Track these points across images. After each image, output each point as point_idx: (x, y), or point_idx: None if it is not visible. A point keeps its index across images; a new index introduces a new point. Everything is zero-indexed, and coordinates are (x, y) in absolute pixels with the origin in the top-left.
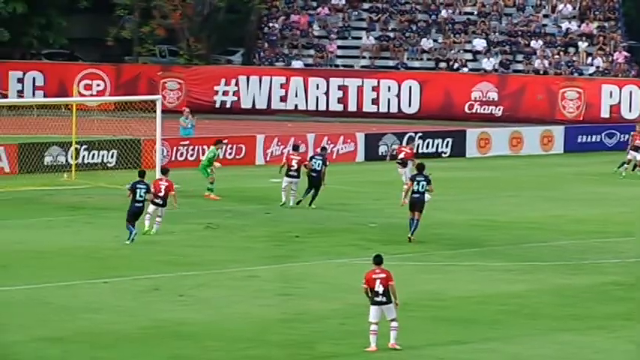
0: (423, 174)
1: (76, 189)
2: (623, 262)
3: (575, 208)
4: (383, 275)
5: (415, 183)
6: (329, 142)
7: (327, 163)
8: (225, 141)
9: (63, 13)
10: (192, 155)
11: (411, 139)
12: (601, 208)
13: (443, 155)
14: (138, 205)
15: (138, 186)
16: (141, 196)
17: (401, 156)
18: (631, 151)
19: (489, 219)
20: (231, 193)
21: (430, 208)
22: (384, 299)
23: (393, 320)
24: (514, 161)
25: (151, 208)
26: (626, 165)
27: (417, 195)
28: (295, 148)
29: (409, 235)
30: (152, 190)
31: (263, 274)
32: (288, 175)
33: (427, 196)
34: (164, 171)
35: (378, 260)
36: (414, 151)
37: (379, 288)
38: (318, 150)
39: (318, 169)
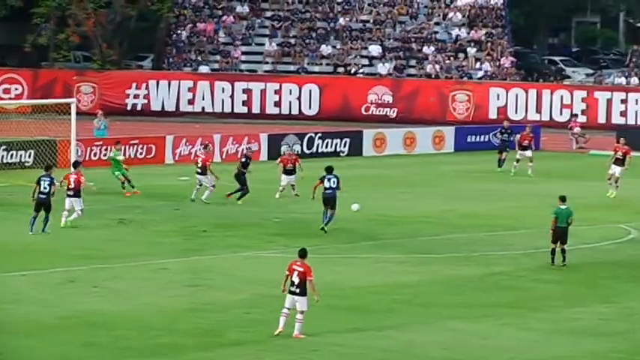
0: (332, 174)
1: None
2: (510, 254)
3: (465, 203)
4: (301, 269)
5: (326, 180)
6: (234, 142)
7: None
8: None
9: None
10: (105, 154)
11: (290, 147)
12: (489, 204)
13: (341, 154)
14: (42, 197)
15: (42, 179)
16: (45, 187)
17: (289, 166)
18: (520, 151)
19: (384, 214)
20: (142, 190)
21: None
22: (297, 290)
23: (300, 312)
24: (408, 160)
25: (66, 202)
26: (515, 164)
27: (329, 191)
28: (205, 147)
29: (323, 226)
30: (62, 181)
31: (172, 267)
32: (197, 172)
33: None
34: (75, 164)
35: (301, 254)
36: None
37: (295, 279)
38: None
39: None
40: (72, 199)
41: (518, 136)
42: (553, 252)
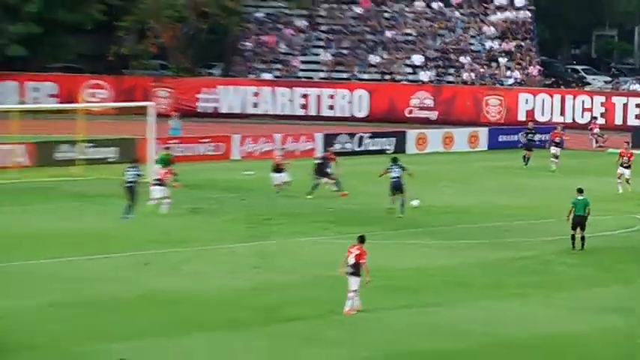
0: (397, 164)
1: (83, 180)
2: (538, 240)
3: (498, 196)
4: (357, 252)
5: (393, 171)
6: (292, 140)
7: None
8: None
9: (72, 33)
10: (179, 151)
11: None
12: (519, 196)
13: (387, 152)
14: (127, 185)
15: (128, 170)
16: (130, 177)
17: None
18: (552, 148)
19: (428, 205)
20: (211, 183)
21: (375, 195)
22: (352, 271)
23: (352, 291)
24: (447, 157)
25: (154, 191)
26: (553, 159)
27: (395, 179)
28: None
29: (400, 215)
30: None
31: (240, 251)
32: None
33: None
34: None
35: (360, 239)
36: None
37: (350, 260)
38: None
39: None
40: (158, 187)
41: (548, 135)
42: (573, 238)
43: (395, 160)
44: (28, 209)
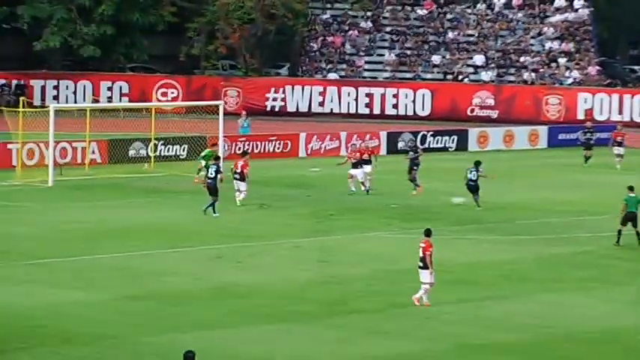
0: (477, 168)
1: (155, 176)
2: (595, 235)
3: (557, 192)
4: (423, 245)
5: (469, 172)
6: (358, 138)
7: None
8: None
9: (144, 34)
10: (248, 149)
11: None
12: (578, 193)
13: (449, 150)
14: (209, 181)
15: (210, 166)
16: (211, 173)
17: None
18: (615, 147)
19: (488, 201)
20: (278, 180)
21: (440, 193)
22: (421, 264)
23: (424, 283)
24: (507, 154)
25: (234, 184)
26: (617, 159)
27: (472, 182)
28: (243, 153)
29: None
30: (232, 167)
31: (305, 245)
32: (234, 178)
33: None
34: (244, 153)
35: (426, 233)
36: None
37: (420, 254)
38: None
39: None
40: (238, 182)
41: (607, 134)
42: (619, 233)
43: (477, 164)
44: (102, 205)
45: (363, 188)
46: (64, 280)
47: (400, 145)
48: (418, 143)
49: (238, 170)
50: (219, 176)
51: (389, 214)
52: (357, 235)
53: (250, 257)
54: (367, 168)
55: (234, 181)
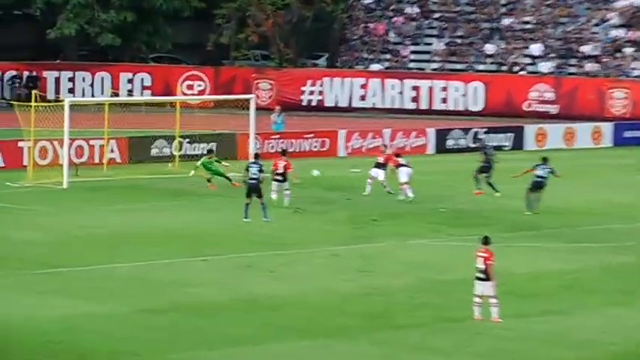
0: (546, 164)
1: (179, 177)
2: None
3: (623, 195)
4: (484, 255)
5: (539, 169)
6: (403, 136)
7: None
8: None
9: (168, 21)
10: (282, 148)
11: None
12: None
13: (504, 148)
14: (252, 182)
15: (251, 165)
16: (254, 173)
17: (380, 159)
18: None
19: (546, 205)
20: (316, 181)
21: (490, 194)
22: (482, 276)
23: (490, 297)
24: (568, 154)
25: (273, 185)
26: None
27: (540, 179)
28: (283, 152)
29: (530, 212)
30: (272, 168)
31: (344, 253)
32: (274, 179)
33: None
34: (284, 152)
35: (484, 241)
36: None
37: (481, 265)
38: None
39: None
40: (280, 183)
41: None
42: None
43: (545, 160)
44: (121, 209)
45: (386, 189)
46: (80, 291)
47: (450, 143)
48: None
49: (280, 170)
50: (261, 176)
51: (436, 219)
52: (402, 242)
53: (284, 266)
54: (381, 174)
55: (274, 182)
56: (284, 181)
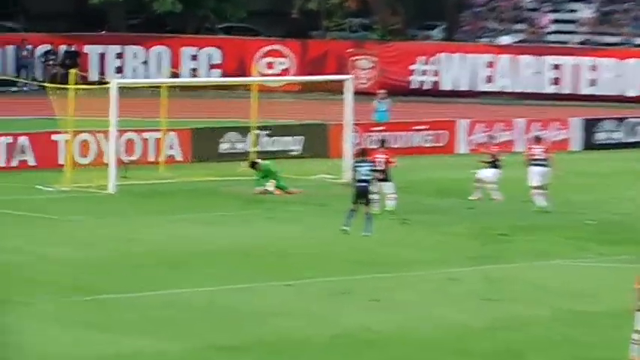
0: None
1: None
2: None
3: None
4: None
5: None
6: (540, 127)
7: None
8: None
9: None
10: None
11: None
12: None
13: None
14: (362, 185)
15: (359, 165)
16: (365, 174)
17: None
18: None
19: None
20: (429, 185)
21: None
22: None
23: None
24: None
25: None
26: None
27: None
28: (382, 144)
29: None
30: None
31: (464, 276)
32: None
33: None
34: (382, 143)
35: None
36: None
37: None
38: None
39: None
40: (380, 183)
41: None
42: None
43: None
44: (181, 219)
45: (493, 197)
46: (130, 324)
47: (600, 136)
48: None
49: (380, 167)
50: (374, 176)
51: (581, 234)
52: (537, 263)
53: (388, 292)
54: (489, 174)
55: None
56: (386, 180)
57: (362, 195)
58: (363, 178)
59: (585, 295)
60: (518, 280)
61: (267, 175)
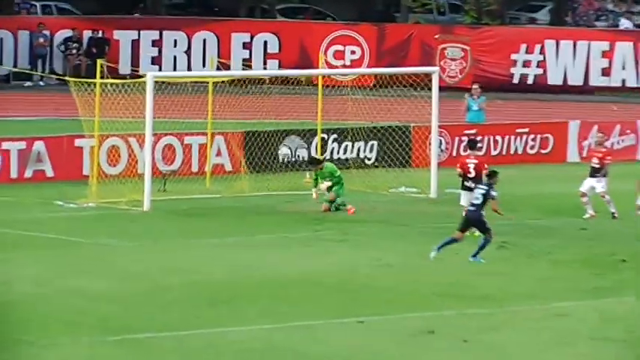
0: None
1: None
2: None
3: None
4: None
5: None
6: None
7: None
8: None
9: None
10: (480, 148)
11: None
12: None
13: None
14: (470, 209)
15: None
16: (476, 198)
17: (594, 162)
18: None
19: None
20: (531, 200)
21: None
22: None
23: None
24: None
25: (462, 198)
26: None
27: None
28: (472, 146)
29: None
30: (457, 170)
31: (575, 313)
32: (463, 188)
33: None
34: (472, 144)
35: None
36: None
37: None
38: None
39: None
40: (469, 192)
41: None
42: None
43: None
44: (231, 243)
45: (611, 210)
46: None
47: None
48: None
49: (471, 174)
50: (493, 195)
51: None
52: None
53: (482, 332)
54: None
55: (462, 193)
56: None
57: (471, 222)
58: (475, 202)
59: None
60: None
61: (330, 180)
